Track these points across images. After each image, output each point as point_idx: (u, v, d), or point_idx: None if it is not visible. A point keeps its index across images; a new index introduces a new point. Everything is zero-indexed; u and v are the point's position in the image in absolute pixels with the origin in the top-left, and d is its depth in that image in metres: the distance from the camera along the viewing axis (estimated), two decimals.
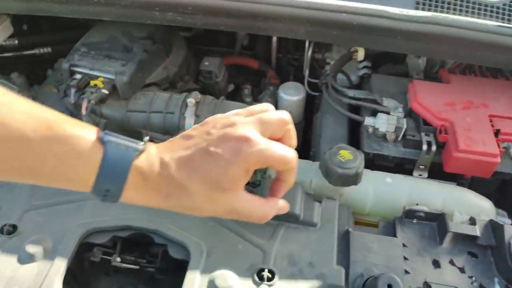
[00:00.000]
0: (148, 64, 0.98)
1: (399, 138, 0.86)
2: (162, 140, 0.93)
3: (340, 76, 1.09)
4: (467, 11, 0.79)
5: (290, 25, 0.79)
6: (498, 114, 0.83)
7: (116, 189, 0.44)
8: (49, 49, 1.26)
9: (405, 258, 0.67)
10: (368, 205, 0.77)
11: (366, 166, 0.81)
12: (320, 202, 0.73)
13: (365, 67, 1.14)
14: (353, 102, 0.91)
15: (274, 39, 1.34)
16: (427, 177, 0.86)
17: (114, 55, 0.95)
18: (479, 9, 0.80)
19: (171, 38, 1.10)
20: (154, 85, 1.01)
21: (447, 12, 0.79)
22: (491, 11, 0.80)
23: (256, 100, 1.23)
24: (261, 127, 0.47)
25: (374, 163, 0.87)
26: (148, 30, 1.03)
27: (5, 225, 0.69)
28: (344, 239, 0.70)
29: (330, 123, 0.98)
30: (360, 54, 1.03)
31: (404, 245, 0.69)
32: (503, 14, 0.79)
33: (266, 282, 0.63)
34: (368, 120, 0.86)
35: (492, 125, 0.80)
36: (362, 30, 0.76)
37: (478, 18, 0.79)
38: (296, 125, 1.14)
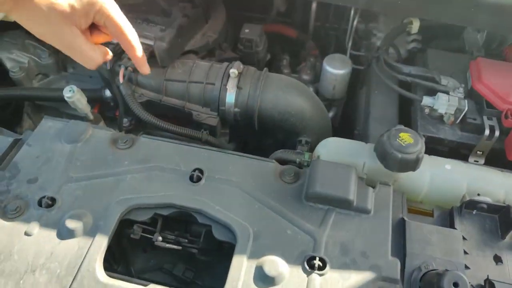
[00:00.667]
0: (187, 30, 0.92)
1: (458, 121, 0.80)
2: (200, 113, 0.89)
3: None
4: None
5: None
6: None
7: None
8: None
9: (465, 252, 0.63)
10: (423, 192, 0.72)
11: None
12: (373, 187, 0.68)
13: (414, 40, 1.06)
14: (409, 79, 0.84)
15: (314, 6, 1.25)
16: (483, 164, 0.80)
17: (153, 19, 0.89)
18: None
19: (210, 2, 1.03)
20: (192, 52, 0.95)
21: None
22: None
23: (294, 71, 1.17)
24: None
25: (428, 146, 0.81)
26: None
27: (43, 197, 0.67)
28: (399, 228, 0.66)
29: (380, 101, 0.91)
30: (415, 26, 0.95)
31: (463, 237, 0.64)
32: None
33: (317, 271, 0.59)
34: (427, 100, 0.79)
35: None
36: None
37: None
38: (338, 100, 1.09)
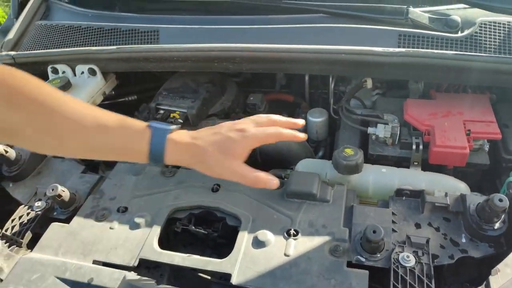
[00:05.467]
0: (209, 100, 1.35)
1: (396, 142, 1.13)
2: None
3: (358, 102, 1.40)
4: (437, 46, 1.08)
5: (306, 65, 1.12)
6: (471, 119, 1.08)
7: (160, 152, 0.72)
8: (135, 97, 1.69)
9: (394, 222, 0.93)
10: (369, 189, 1.04)
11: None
12: (332, 186, 1.02)
13: (377, 93, 1.44)
14: (359, 117, 1.21)
15: (307, 78, 1.67)
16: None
17: (186, 95, 1.33)
18: (447, 43, 1.08)
19: (225, 82, 1.48)
20: (214, 115, 1.37)
21: (422, 47, 1.08)
22: (456, 44, 1.07)
23: None
24: (255, 123, 0.79)
25: (378, 162, 1.14)
26: (209, 77, 1.42)
27: (120, 207, 1.05)
28: (350, 211, 0.97)
29: (346, 136, 1.27)
30: (369, 82, 1.33)
31: (393, 213, 0.95)
32: (464, 45, 1.06)
33: (292, 237, 0.91)
34: (371, 130, 1.15)
35: (465, 127, 1.06)
36: (357, 64, 1.08)
37: (447, 49, 1.07)
38: (322, 141, 1.46)
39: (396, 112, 1.22)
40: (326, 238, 0.91)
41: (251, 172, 0.77)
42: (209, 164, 0.76)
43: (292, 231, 0.93)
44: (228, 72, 1.24)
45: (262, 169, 1.34)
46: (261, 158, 1.28)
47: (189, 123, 1.31)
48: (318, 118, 1.37)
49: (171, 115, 1.30)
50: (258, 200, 1.02)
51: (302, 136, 0.82)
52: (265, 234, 0.92)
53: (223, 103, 1.40)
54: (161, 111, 1.32)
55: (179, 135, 0.76)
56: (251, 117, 0.82)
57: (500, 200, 0.81)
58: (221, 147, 0.74)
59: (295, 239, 0.91)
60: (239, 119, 1.40)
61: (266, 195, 1.03)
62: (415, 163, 1.11)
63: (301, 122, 0.84)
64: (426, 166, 1.10)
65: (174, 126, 0.77)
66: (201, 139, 0.75)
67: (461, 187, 1.00)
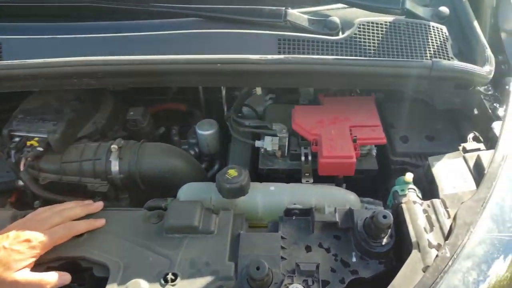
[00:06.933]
0: (77, 121, 1.16)
1: (286, 154, 1.06)
2: (93, 183, 1.10)
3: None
4: (318, 49, 1.01)
5: (178, 77, 0.99)
6: (357, 124, 1.03)
7: None
8: None
9: (283, 248, 0.84)
10: (259, 210, 0.95)
11: (263, 180, 1.01)
12: (217, 213, 0.90)
13: (270, 98, 1.35)
14: (247, 129, 1.11)
15: None
16: (313, 182, 1.04)
17: (47, 117, 1.13)
18: (327, 46, 1.02)
19: (99, 96, 1.29)
20: (85, 138, 1.18)
21: (303, 53, 1.01)
22: (337, 47, 1.02)
23: (184, 138, 1.41)
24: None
25: (270, 177, 1.06)
26: (77, 93, 1.22)
27: None
28: (236, 241, 0.87)
29: (237, 149, 1.17)
30: (258, 89, 1.24)
31: (283, 237, 0.86)
32: (344, 47, 1.01)
33: (170, 283, 0.78)
34: (258, 143, 1.05)
35: (351, 134, 1.01)
36: (235, 74, 0.97)
37: (327, 54, 1.00)
38: (216, 154, 1.34)
39: (287, 119, 1.14)
40: (209, 279, 0.79)
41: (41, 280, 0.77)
42: None
43: (169, 276, 0.79)
44: (93, 87, 1.05)
45: (146, 197, 1.20)
46: (144, 185, 1.12)
47: (52, 150, 1.11)
48: (207, 131, 1.25)
49: (28, 143, 1.09)
50: (132, 241, 0.87)
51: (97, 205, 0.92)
52: (138, 284, 0.78)
53: (96, 122, 1.21)
54: (16, 139, 1.10)
55: None
56: (37, 217, 0.86)
57: (384, 217, 0.76)
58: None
59: (173, 285, 0.78)
60: (118, 138, 1.24)
61: (141, 234, 0.88)
62: (306, 174, 1.04)
63: (98, 206, 0.93)
64: (318, 176, 1.04)
65: None
66: None
67: (351, 198, 0.95)
